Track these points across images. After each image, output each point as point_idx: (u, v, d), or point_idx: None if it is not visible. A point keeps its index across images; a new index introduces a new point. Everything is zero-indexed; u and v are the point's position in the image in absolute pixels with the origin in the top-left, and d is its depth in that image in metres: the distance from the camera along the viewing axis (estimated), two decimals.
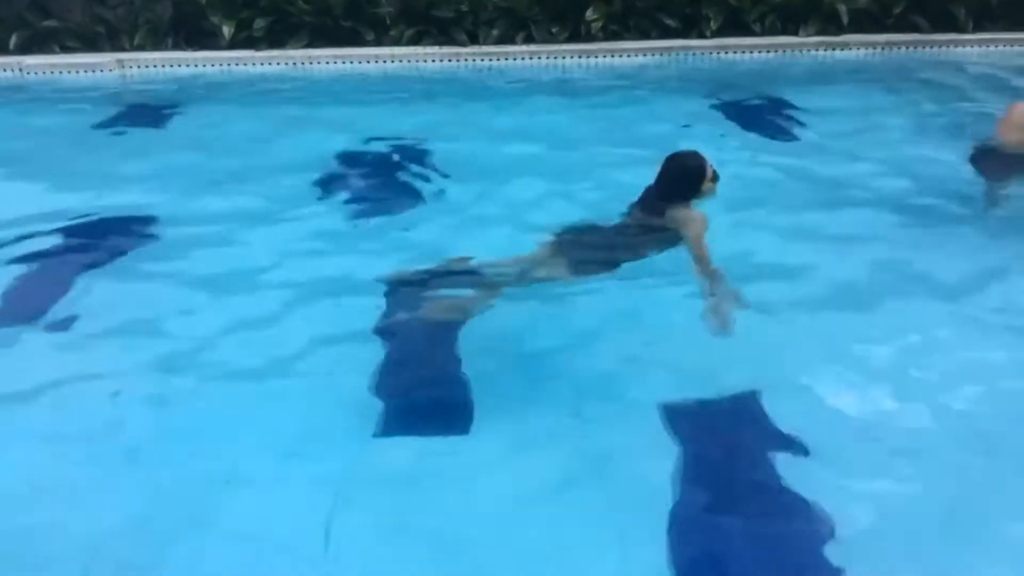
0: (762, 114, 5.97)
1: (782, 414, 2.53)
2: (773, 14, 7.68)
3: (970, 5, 7.66)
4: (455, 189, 4.54)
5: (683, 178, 3.36)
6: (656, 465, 2.31)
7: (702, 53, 7.48)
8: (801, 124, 5.64)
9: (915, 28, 7.66)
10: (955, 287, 3.39)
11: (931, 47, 7.52)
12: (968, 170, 4.64)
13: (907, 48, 7.50)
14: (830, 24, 7.58)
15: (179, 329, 3.15)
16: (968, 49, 7.47)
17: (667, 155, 3.42)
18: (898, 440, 2.45)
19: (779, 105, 6.12)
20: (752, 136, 5.46)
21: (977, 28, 7.65)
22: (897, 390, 2.70)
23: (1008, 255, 3.66)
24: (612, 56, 7.44)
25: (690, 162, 3.36)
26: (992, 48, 7.45)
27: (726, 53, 7.49)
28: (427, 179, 4.70)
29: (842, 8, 7.51)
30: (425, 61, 7.33)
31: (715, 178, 3.40)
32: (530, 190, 4.45)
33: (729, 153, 5.03)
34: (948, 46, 7.51)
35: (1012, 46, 7.45)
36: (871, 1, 7.63)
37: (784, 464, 2.31)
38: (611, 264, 3.27)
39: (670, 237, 3.29)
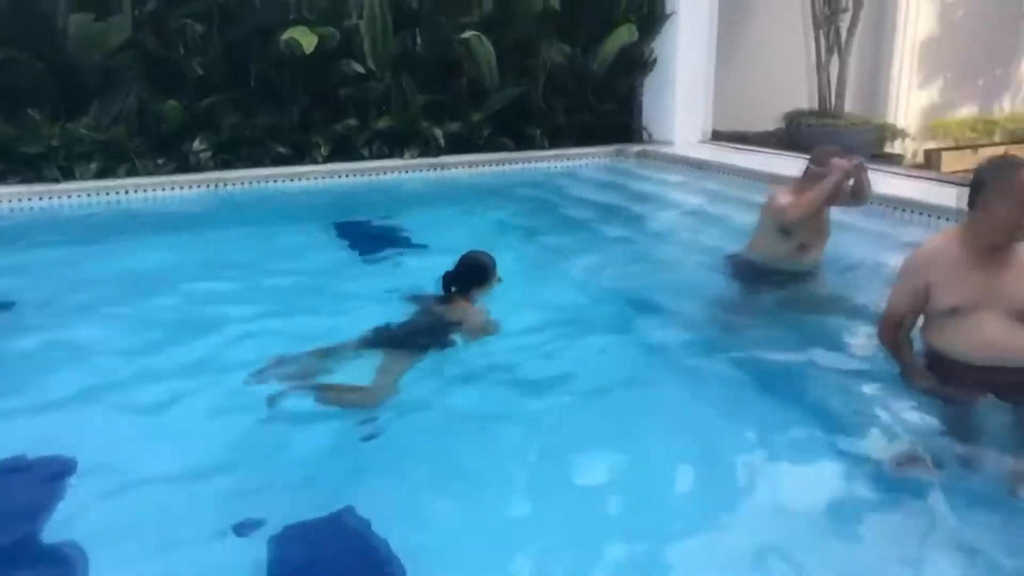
0: (373, 231, 6.33)
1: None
2: (379, 140, 8.28)
3: (544, 127, 8.96)
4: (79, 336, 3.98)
5: (476, 272, 3.81)
6: None
7: (314, 178, 7.78)
8: (409, 238, 6.07)
9: (502, 147, 8.75)
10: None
11: (516, 163, 8.63)
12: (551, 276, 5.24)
13: (496, 165, 8.52)
14: (429, 147, 8.36)
15: None
16: (545, 163, 8.69)
17: (463, 253, 3.88)
18: None
19: (389, 222, 6.55)
20: (363, 253, 5.73)
21: (551, 145, 8.96)
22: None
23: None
24: (224, 185, 7.43)
25: (483, 259, 3.85)
26: (563, 161, 8.77)
27: (338, 177, 7.87)
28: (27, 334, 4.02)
29: (438, 132, 8.35)
30: (9, 201, 6.68)
31: (499, 279, 3.91)
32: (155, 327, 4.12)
33: (343, 269, 5.27)
34: (529, 161, 8.67)
35: (576, 159, 8.86)
36: (463, 126, 8.58)
37: None
38: (417, 352, 3.52)
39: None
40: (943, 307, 2.89)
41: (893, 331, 3.06)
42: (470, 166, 8.41)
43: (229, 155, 7.71)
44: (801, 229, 4.23)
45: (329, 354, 3.60)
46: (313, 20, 7.72)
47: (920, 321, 3.08)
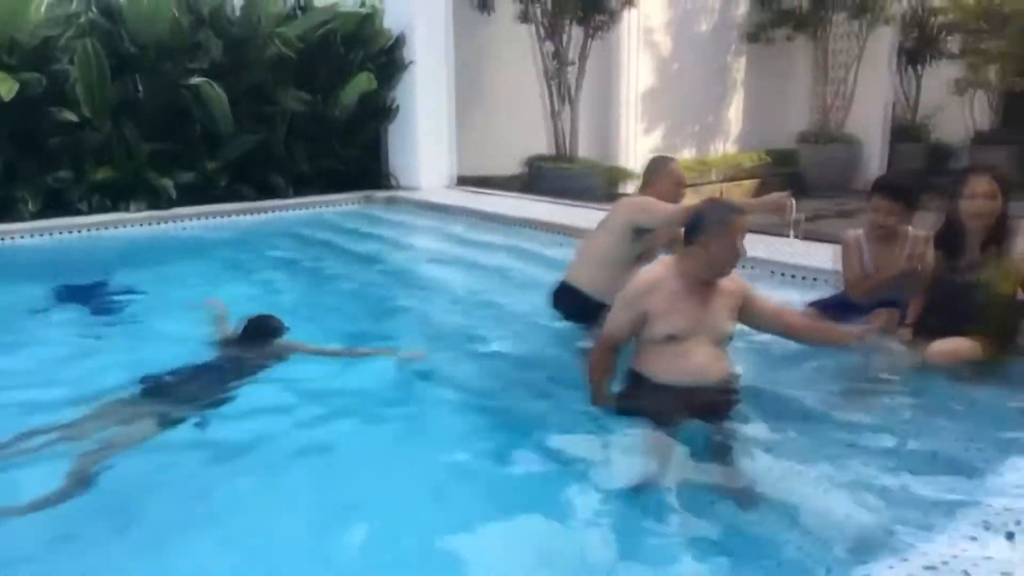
0: (97, 293, 5.77)
1: None
2: (98, 193, 7.62)
3: (287, 174, 8.72)
4: None
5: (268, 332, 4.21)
6: None
7: (21, 236, 7.01)
8: (140, 297, 5.59)
9: (242, 197, 8.38)
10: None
11: (259, 212, 8.30)
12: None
13: (236, 215, 8.15)
14: (159, 199, 7.81)
15: None
16: (289, 212, 8.45)
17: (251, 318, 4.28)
18: None
19: (115, 282, 6.00)
20: (85, 316, 5.24)
21: (296, 193, 8.72)
22: None
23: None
24: None
25: (273, 323, 4.25)
26: (308, 210, 8.57)
27: (50, 234, 7.14)
28: None
29: (168, 183, 7.83)
30: None
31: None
32: None
33: (62, 335, 4.76)
34: (272, 211, 8.39)
35: (322, 207, 8.69)
36: (197, 176, 8.11)
37: None
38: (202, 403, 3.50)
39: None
40: (660, 334, 3.05)
41: (608, 355, 3.18)
42: (206, 217, 7.97)
43: None
44: (654, 236, 4.10)
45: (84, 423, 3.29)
46: (13, 64, 6.98)
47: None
